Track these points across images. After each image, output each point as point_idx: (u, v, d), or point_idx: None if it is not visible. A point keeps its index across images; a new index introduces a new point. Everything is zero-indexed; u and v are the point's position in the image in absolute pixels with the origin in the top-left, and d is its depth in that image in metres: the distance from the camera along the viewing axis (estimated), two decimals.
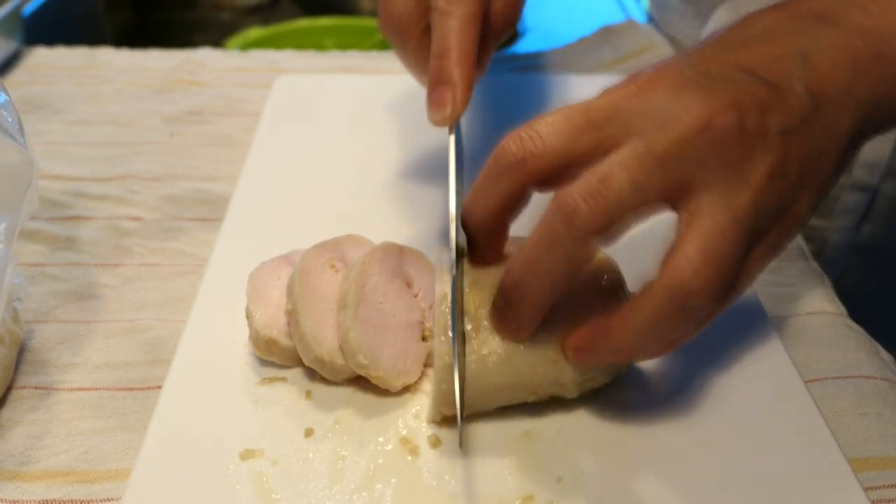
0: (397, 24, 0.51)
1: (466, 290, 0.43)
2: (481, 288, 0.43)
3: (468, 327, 0.42)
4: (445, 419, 0.43)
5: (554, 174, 0.39)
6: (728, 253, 0.36)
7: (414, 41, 0.52)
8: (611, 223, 0.36)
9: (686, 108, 0.37)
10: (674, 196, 0.37)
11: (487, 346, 0.41)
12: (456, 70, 0.48)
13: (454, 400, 0.40)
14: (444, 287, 0.43)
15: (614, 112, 0.38)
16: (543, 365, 0.42)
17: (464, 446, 0.42)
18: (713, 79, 0.38)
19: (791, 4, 0.42)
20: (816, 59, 0.39)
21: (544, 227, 0.37)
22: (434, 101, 0.48)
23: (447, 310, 0.42)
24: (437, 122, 0.49)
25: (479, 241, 0.43)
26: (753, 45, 0.39)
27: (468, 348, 0.42)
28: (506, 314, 0.41)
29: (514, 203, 0.41)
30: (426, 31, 0.51)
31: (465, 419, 0.41)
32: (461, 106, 0.48)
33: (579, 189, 0.36)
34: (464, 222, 0.43)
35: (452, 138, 0.48)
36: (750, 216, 0.36)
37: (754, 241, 0.38)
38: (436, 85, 0.48)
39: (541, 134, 0.38)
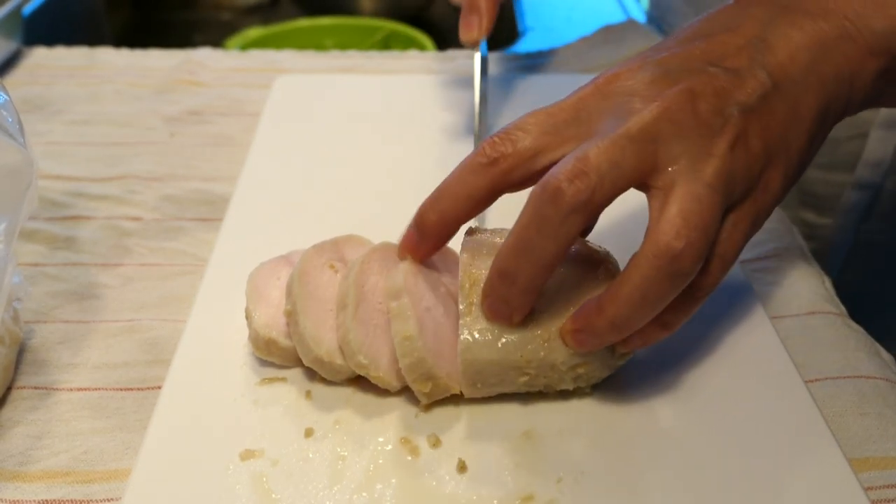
0: None
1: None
2: (476, 268, 0.44)
3: (460, 306, 0.43)
4: (431, 398, 0.44)
5: (523, 174, 0.41)
6: (706, 216, 0.38)
7: None
8: (594, 199, 0.38)
9: (641, 100, 0.39)
10: (646, 175, 0.39)
11: (479, 323, 0.42)
12: (483, 1, 0.61)
13: (422, 366, 0.42)
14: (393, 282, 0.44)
15: (576, 112, 0.41)
16: (534, 342, 0.42)
17: None
18: (669, 71, 0.40)
19: None
20: (776, 42, 0.41)
21: (530, 210, 0.39)
22: (465, 26, 0.62)
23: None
24: (468, 42, 0.63)
25: (429, 230, 0.44)
26: (717, 36, 0.41)
27: (459, 323, 0.43)
28: (498, 298, 0.41)
29: (481, 199, 0.42)
30: None
31: (462, 401, 0.43)
32: (486, 30, 0.62)
33: (561, 170, 0.38)
34: (422, 210, 0.44)
35: (478, 55, 0.63)
36: (720, 182, 0.38)
37: (729, 208, 0.40)
38: (467, 13, 0.62)
39: (511, 137, 0.41)
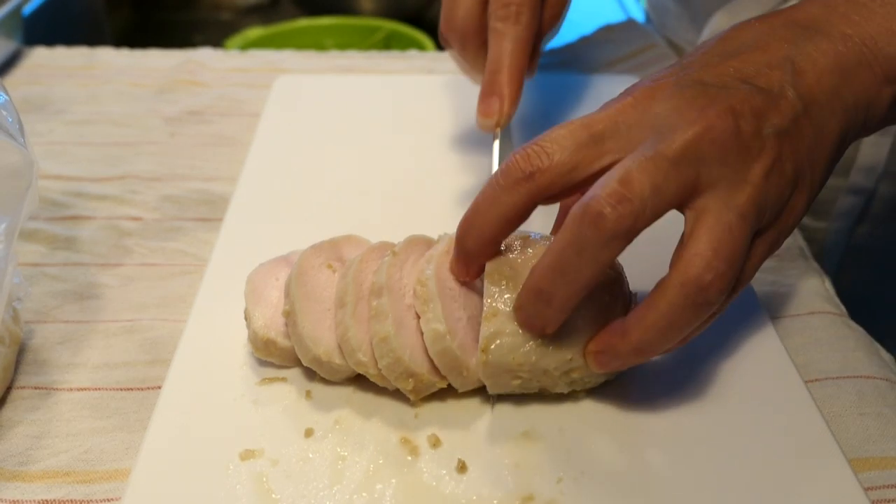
0: (460, 33, 0.57)
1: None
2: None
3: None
4: (418, 395, 0.44)
5: (560, 189, 0.40)
6: (736, 247, 0.38)
7: (472, 50, 0.58)
8: (636, 226, 0.37)
9: (683, 117, 0.38)
10: (685, 199, 0.38)
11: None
12: (506, 86, 0.55)
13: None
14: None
15: (615, 124, 0.40)
16: (525, 347, 0.42)
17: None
18: (708, 87, 0.39)
19: (778, 15, 0.43)
20: (804, 65, 0.41)
21: (570, 232, 0.38)
22: (483, 111, 0.55)
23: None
24: (485, 129, 0.56)
25: (471, 254, 0.43)
26: (745, 55, 0.41)
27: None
28: (532, 314, 0.41)
29: (518, 217, 0.41)
30: (485, 42, 0.57)
31: (461, 400, 0.43)
32: (507, 117, 0.55)
33: (604, 193, 0.37)
34: (460, 235, 0.43)
35: (497, 143, 0.54)
36: (752, 212, 0.38)
37: (757, 236, 0.40)
38: (487, 96, 0.55)
39: (546, 150, 0.40)
